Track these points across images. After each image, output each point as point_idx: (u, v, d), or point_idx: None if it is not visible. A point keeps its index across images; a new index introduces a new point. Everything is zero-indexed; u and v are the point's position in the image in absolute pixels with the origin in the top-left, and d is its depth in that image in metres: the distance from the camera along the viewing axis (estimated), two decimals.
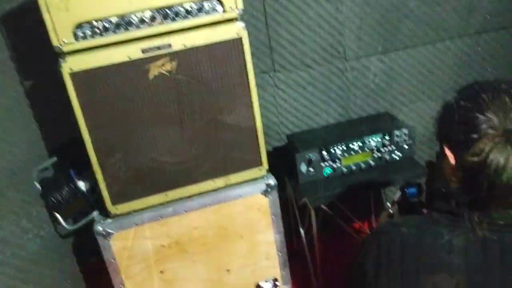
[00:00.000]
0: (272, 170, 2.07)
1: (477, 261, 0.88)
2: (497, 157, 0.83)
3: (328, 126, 2.37)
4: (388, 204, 2.34)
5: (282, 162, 2.30)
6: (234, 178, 2.01)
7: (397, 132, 2.10)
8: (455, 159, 0.93)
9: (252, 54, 2.23)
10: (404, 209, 1.47)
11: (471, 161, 0.87)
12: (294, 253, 2.72)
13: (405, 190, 1.47)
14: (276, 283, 2.28)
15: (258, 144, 1.99)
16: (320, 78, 2.42)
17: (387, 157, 2.11)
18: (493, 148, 0.85)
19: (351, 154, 2.07)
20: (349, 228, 2.86)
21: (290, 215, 2.55)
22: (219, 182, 2.00)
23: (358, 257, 1.03)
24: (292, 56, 2.33)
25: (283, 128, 2.52)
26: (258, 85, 2.40)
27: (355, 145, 2.07)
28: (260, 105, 2.52)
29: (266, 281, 2.27)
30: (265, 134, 2.52)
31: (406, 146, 2.13)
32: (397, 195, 2.21)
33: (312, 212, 2.06)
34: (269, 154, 2.56)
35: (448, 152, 0.95)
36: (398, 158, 2.14)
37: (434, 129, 1.02)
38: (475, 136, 0.88)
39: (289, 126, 2.52)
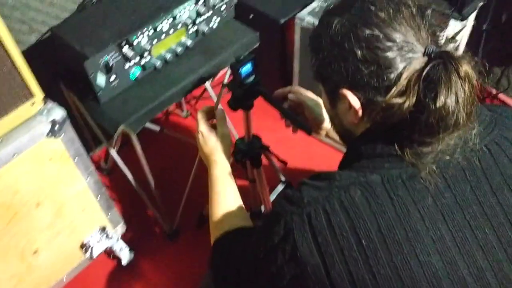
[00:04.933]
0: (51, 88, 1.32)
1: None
2: (444, 95, 0.63)
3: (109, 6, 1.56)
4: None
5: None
6: None
7: None
8: (362, 102, 0.72)
9: None
10: (242, 95, 1.12)
11: (396, 103, 0.67)
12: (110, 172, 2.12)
13: (238, 71, 1.07)
14: (106, 230, 1.71)
15: (12, 64, 1.17)
16: None
17: (205, 28, 1.53)
18: (434, 86, 0.63)
19: (161, 38, 1.41)
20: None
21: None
22: None
23: (274, 254, 0.71)
24: None
25: (46, 18, 1.64)
26: None
27: (165, 24, 1.40)
28: None
29: (92, 236, 1.67)
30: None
31: (224, 7, 1.56)
32: (227, 74, 1.72)
33: (134, 139, 1.43)
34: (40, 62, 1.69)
35: (350, 96, 0.73)
36: (217, 25, 1.57)
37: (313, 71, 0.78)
38: (392, 75, 0.68)
39: (51, 12, 1.64)
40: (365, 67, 0.69)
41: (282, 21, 1.99)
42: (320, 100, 1.16)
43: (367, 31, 0.68)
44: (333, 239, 0.66)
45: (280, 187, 1.97)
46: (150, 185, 1.68)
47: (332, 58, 0.73)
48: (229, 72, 1.64)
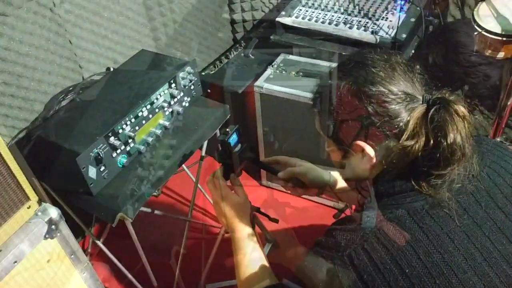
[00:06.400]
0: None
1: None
2: (452, 133, 0.75)
3: (87, 101, 1.60)
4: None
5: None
6: None
7: (181, 74, 1.59)
8: (377, 149, 0.83)
9: None
10: (232, 163, 1.19)
11: (408, 145, 0.79)
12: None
13: (228, 142, 1.17)
14: None
15: (8, 170, 1.17)
16: (23, 27, 1.59)
17: (180, 108, 1.61)
18: (440, 128, 0.76)
19: (142, 124, 1.48)
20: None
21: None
22: None
23: None
24: None
25: (14, 122, 1.67)
26: None
27: (145, 111, 1.47)
28: None
29: None
30: None
31: (192, 87, 1.66)
32: (204, 148, 1.79)
33: (130, 225, 1.44)
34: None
35: (365, 146, 0.83)
36: (188, 105, 1.66)
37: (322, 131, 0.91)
38: (400, 123, 0.79)
39: (19, 115, 1.67)
40: (377, 119, 0.80)
41: (241, 90, 2.13)
42: (308, 164, 1.25)
43: (374, 89, 0.80)
44: (378, 274, 0.74)
45: (267, 247, 2.01)
46: (148, 272, 1.67)
47: (345, 116, 0.83)
48: (205, 146, 1.71)
